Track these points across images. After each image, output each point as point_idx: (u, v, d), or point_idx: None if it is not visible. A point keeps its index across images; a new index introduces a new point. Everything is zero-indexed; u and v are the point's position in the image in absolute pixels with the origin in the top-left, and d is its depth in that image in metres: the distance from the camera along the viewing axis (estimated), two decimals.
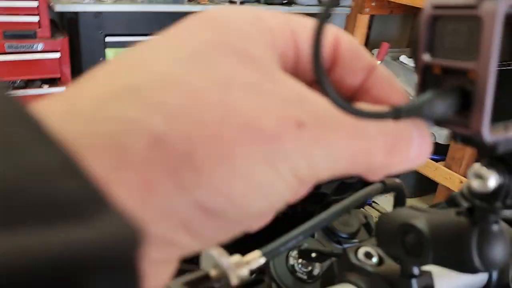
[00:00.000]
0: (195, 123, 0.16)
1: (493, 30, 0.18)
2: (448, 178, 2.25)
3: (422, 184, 2.60)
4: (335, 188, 0.55)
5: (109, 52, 2.10)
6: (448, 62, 0.20)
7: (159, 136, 0.15)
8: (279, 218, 0.51)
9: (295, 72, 0.22)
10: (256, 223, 0.20)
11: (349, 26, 2.70)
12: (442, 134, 2.34)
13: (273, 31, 0.20)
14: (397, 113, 0.18)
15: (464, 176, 2.13)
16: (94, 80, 0.17)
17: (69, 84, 0.18)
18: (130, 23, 2.09)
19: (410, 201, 2.66)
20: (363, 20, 2.66)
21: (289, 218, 0.42)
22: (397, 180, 0.37)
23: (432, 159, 2.35)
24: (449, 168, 2.27)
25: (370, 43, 3.21)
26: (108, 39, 2.08)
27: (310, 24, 0.22)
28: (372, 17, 3.14)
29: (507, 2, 0.18)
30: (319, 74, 0.16)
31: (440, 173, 2.30)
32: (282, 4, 2.38)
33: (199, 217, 0.16)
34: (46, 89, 2.02)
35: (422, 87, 0.21)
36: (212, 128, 0.16)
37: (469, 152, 2.21)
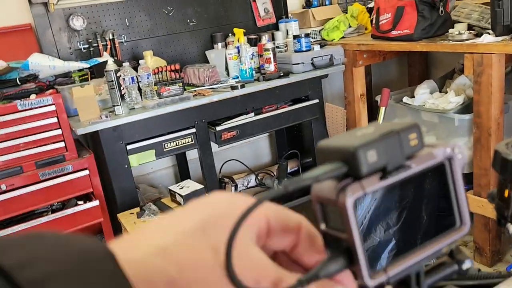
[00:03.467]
0: (195, 273, 0.27)
1: (348, 215, 0.26)
2: (481, 206, 2.24)
3: None
4: None
5: (132, 158, 2.26)
6: (334, 233, 0.28)
7: (173, 280, 0.27)
8: None
9: (266, 240, 0.31)
10: None
11: (348, 80, 2.82)
12: (464, 164, 2.35)
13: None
14: (301, 283, 0.26)
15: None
16: (135, 241, 0.29)
17: (123, 237, 0.30)
18: (146, 128, 2.26)
19: None
20: (359, 72, 2.78)
21: None
22: None
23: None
24: (478, 196, 2.26)
25: (373, 90, 3.32)
26: (129, 147, 2.24)
27: (275, 207, 0.31)
28: (370, 66, 3.28)
29: (355, 195, 0.26)
30: (231, 278, 0.25)
31: (471, 203, 2.29)
32: (280, 77, 2.53)
33: None
34: (81, 206, 2.16)
35: (326, 246, 0.29)
36: (203, 275, 0.27)
37: (493, 175, 2.21)
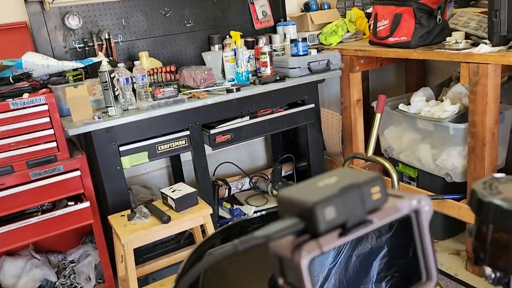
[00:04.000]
0: None
1: (303, 275, 0.25)
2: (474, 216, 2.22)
3: (451, 225, 2.57)
4: None
5: (124, 159, 2.24)
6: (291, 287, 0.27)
7: None
8: None
9: None
10: None
11: (344, 85, 2.81)
12: (458, 173, 2.35)
13: None
14: None
15: None
16: None
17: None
18: (139, 130, 2.24)
19: (442, 243, 2.61)
20: (356, 78, 2.76)
21: None
22: None
23: (454, 198, 2.34)
24: None
25: (370, 95, 3.31)
26: (122, 148, 2.22)
27: None
28: (367, 72, 3.26)
29: (311, 255, 0.25)
30: None
31: (464, 212, 2.28)
32: (276, 81, 2.51)
33: None
34: (72, 207, 2.15)
35: None
36: None
37: None
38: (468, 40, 2.19)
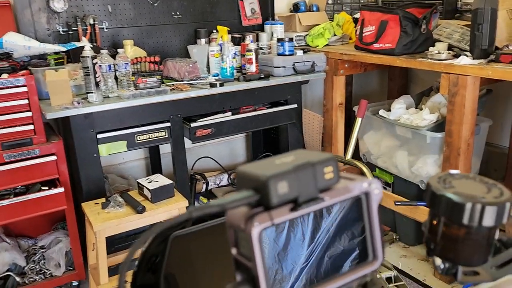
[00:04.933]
0: None
1: (253, 245, 0.26)
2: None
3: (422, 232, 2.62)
4: None
5: (102, 147, 2.23)
6: (243, 260, 0.28)
7: None
8: None
9: None
10: None
11: (328, 87, 2.84)
12: None
13: None
14: None
15: None
16: None
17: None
18: (119, 118, 2.23)
19: (413, 249, 2.67)
20: (340, 81, 2.80)
21: None
22: None
23: (426, 205, 2.38)
24: None
25: (353, 99, 3.35)
26: (100, 136, 2.21)
27: None
28: (352, 76, 3.31)
29: (262, 226, 0.26)
30: None
31: None
32: (260, 79, 2.53)
33: None
34: (45, 191, 2.13)
35: (236, 269, 0.30)
36: None
37: None
38: (450, 52, 2.25)
